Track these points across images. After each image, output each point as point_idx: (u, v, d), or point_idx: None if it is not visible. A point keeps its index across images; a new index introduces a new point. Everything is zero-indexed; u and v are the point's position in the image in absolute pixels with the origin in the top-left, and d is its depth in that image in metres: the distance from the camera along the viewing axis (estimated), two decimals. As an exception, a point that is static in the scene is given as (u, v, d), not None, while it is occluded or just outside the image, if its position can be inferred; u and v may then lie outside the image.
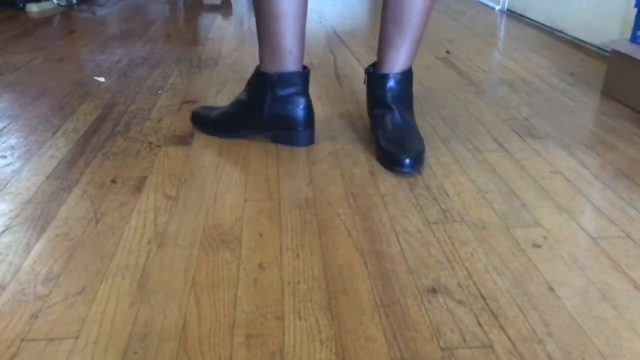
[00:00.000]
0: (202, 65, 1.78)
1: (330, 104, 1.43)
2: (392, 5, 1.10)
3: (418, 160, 1.05)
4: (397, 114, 1.12)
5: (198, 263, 0.80)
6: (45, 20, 2.46)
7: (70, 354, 0.64)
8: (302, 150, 1.15)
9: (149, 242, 0.85)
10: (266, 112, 1.14)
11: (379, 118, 1.14)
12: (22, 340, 0.66)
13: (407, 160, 1.03)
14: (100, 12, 2.69)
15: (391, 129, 1.11)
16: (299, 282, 0.76)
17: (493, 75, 1.68)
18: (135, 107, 1.41)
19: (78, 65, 1.78)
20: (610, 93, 1.49)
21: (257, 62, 1.81)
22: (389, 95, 1.14)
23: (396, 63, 1.14)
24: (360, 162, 1.11)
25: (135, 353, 0.64)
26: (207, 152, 1.15)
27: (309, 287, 0.75)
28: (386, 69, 1.14)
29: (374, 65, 1.19)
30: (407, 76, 1.15)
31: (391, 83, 1.14)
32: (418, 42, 1.13)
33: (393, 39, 1.12)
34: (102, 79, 1.63)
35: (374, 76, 1.16)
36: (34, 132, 1.25)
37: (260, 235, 0.87)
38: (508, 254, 0.82)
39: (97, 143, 1.19)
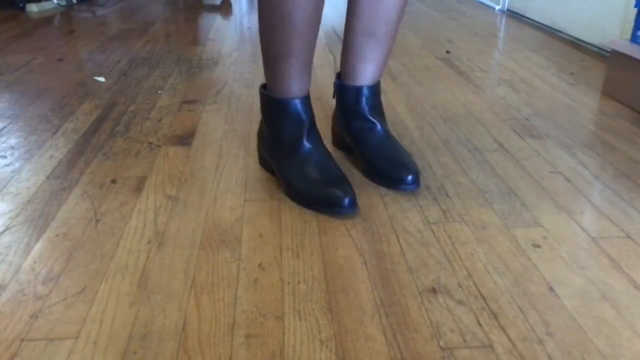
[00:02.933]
0: (202, 65, 1.78)
1: (330, 104, 1.43)
2: (364, 15, 0.99)
3: (419, 175, 1.01)
4: (379, 127, 1.05)
5: (198, 263, 0.80)
6: (45, 20, 2.46)
7: (70, 354, 0.64)
8: (302, 150, 1.15)
9: (149, 242, 0.85)
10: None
11: (362, 133, 1.06)
12: (22, 340, 0.66)
13: (410, 177, 0.99)
14: (100, 12, 2.69)
15: (381, 146, 1.05)
16: (299, 282, 0.76)
17: (493, 75, 1.68)
18: (135, 107, 1.41)
19: (78, 65, 1.78)
20: (610, 93, 1.49)
21: (256, 63, 1.81)
22: (367, 109, 1.05)
23: (370, 75, 1.04)
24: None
25: (135, 353, 0.64)
26: (207, 152, 1.15)
27: (309, 287, 0.75)
28: (359, 81, 1.05)
29: (340, 76, 1.08)
30: (379, 85, 1.07)
31: (367, 95, 1.05)
32: (391, 51, 1.05)
33: (366, 53, 1.02)
34: (102, 79, 1.63)
35: (347, 88, 1.06)
36: (34, 132, 1.25)
37: (260, 235, 0.87)
38: (508, 254, 0.82)
39: (97, 143, 1.19)
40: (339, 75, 1.09)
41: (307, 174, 0.96)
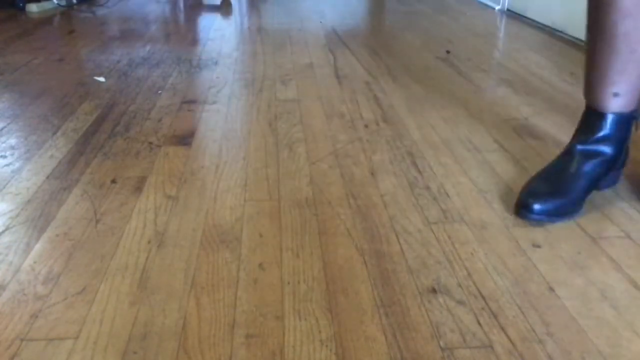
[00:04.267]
0: (202, 65, 1.78)
1: (330, 104, 1.43)
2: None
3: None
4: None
5: (198, 263, 0.80)
6: (45, 20, 2.46)
7: (70, 354, 0.64)
8: (302, 150, 1.15)
9: (149, 242, 0.85)
10: (623, 157, 0.97)
11: None
12: (22, 340, 0.66)
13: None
14: (100, 12, 2.69)
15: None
16: (299, 282, 0.76)
17: (493, 75, 1.68)
18: (135, 107, 1.41)
19: (78, 65, 1.78)
20: (610, 93, 1.49)
21: (256, 63, 1.81)
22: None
23: None
24: (360, 162, 1.11)
25: (135, 353, 0.64)
26: (207, 152, 1.15)
27: (309, 287, 0.75)
28: None
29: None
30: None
31: None
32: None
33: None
34: (102, 79, 1.63)
35: None
36: (34, 132, 1.25)
37: (260, 235, 0.87)
38: (508, 254, 0.82)
39: (97, 143, 1.19)
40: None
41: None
